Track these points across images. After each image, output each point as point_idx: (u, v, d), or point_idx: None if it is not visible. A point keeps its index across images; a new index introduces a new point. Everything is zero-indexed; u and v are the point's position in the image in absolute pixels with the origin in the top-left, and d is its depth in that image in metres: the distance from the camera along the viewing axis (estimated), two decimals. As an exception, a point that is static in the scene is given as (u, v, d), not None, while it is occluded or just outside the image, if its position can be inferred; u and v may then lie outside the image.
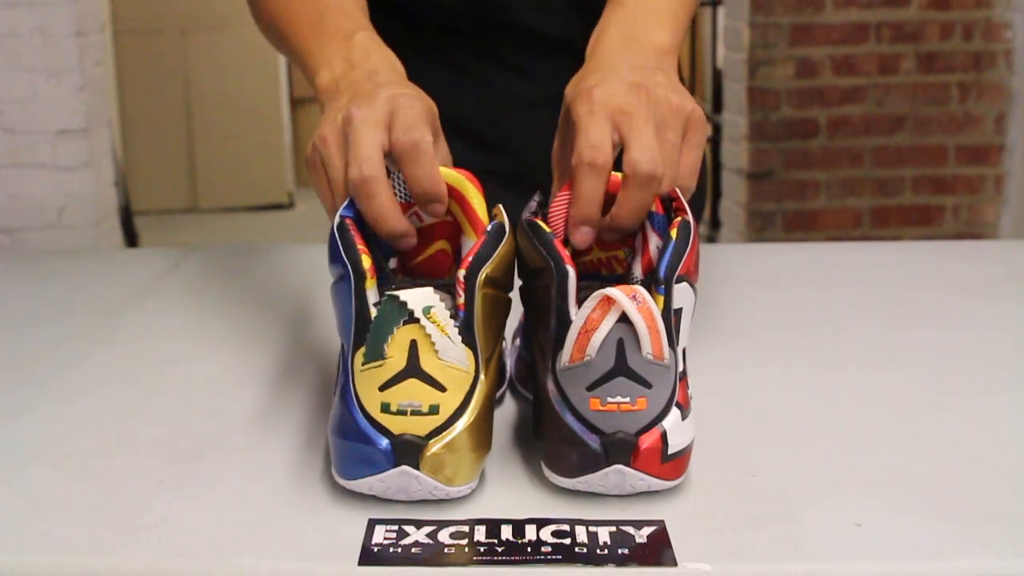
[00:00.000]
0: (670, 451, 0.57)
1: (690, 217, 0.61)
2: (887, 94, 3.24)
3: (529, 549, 0.53)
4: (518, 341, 0.75)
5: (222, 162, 5.22)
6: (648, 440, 0.56)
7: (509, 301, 0.64)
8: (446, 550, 0.53)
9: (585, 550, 0.53)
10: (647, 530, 0.55)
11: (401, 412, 0.55)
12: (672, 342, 0.57)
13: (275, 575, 0.52)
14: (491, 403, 0.60)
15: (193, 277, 1.05)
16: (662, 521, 0.55)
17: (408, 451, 0.55)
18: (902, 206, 3.33)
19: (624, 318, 0.56)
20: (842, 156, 3.28)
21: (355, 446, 0.56)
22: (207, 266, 1.08)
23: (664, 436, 0.56)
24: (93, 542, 0.55)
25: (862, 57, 3.22)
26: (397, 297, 0.56)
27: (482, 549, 0.53)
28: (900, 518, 0.56)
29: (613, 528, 0.55)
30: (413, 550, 0.53)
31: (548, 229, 0.60)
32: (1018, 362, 0.81)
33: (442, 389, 0.56)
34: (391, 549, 0.53)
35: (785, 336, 0.86)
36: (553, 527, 0.55)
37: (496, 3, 1.03)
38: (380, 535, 0.54)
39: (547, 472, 0.59)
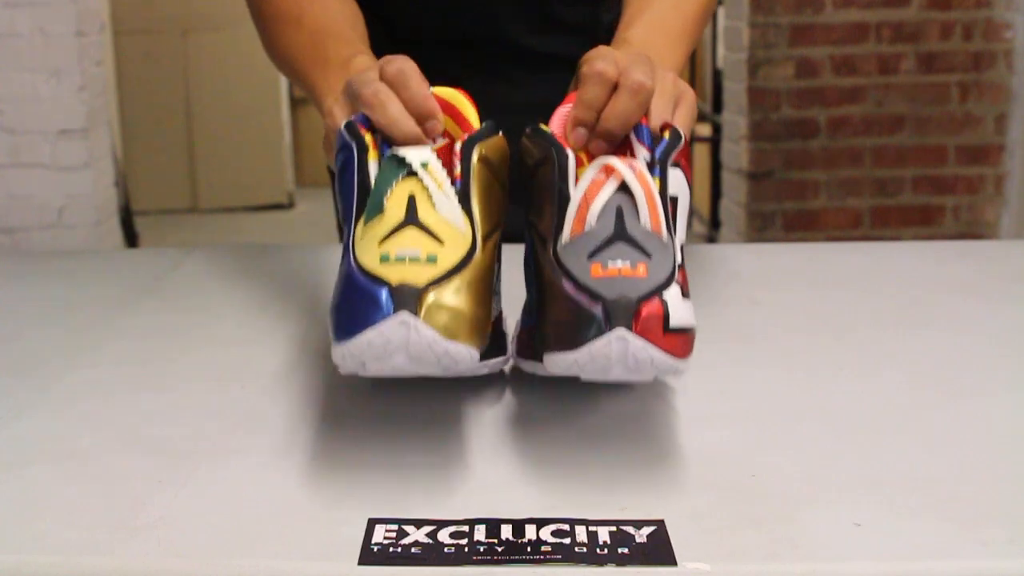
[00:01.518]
0: (672, 323, 0.55)
1: (681, 131, 0.64)
2: (887, 94, 3.24)
3: (529, 549, 0.53)
4: (518, 323, 0.74)
5: (222, 162, 5.22)
6: (649, 307, 0.55)
7: (505, 192, 0.66)
8: (446, 550, 0.53)
9: (585, 550, 0.53)
10: (647, 530, 0.55)
11: (399, 260, 0.55)
12: (669, 226, 0.58)
13: (275, 575, 0.52)
14: (490, 283, 0.59)
15: (193, 277, 1.05)
16: (662, 521, 0.55)
17: (406, 297, 0.54)
18: (902, 206, 3.33)
19: (623, 188, 0.57)
20: (842, 156, 3.28)
21: (353, 304, 0.55)
22: (207, 266, 1.08)
23: (665, 306, 0.55)
24: (93, 542, 0.55)
25: (862, 57, 3.22)
26: (396, 154, 0.59)
27: (482, 549, 0.53)
28: (900, 518, 0.56)
29: (613, 528, 0.55)
30: (413, 550, 0.53)
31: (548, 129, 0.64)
32: (1018, 362, 0.81)
33: (439, 242, 0.56)
34: (391, 549, 0.53)
35: (785, 336, 0.86)
36: (553, 527, 0.55)
37: (488, 23, 1.04)
38: (380, 535, 0.54)
39: (548, 360, 0.57)
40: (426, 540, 0.54)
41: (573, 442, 0.66)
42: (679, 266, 0.58)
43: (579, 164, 0.62)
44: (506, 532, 0.54)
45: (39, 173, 2.82)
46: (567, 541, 0.54)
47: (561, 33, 1.08)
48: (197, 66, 5.15)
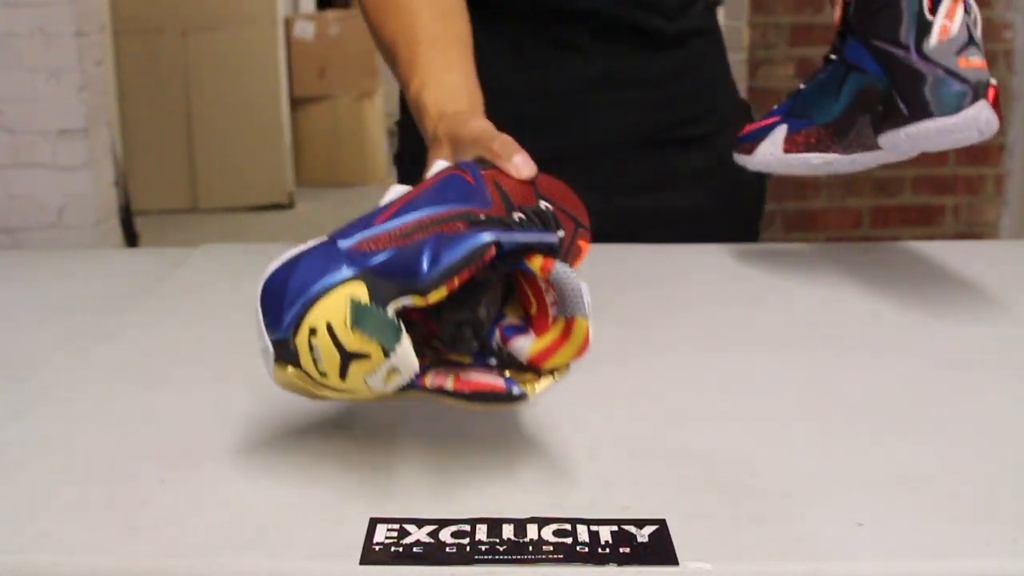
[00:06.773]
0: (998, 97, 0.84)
1: None
2: (887, 94, 3.24)
3: (531, 548, 0.53)
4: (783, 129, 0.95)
5: (222, 162, 5.22)
6: (993, 89, 0.84)
7: None
8: (447, 549, 0.53)
9: (587, 549, 0.53)
10: (648, 529, 0.55)
11: None
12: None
13: (275, 575, 0.52)
14: None
15: (193, 277, 1.05)
16: (663, 520, 0.55)
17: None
18: (902, 206, 3.33)
19: (965, 9, 0.85)
20: (842, 156, 3.27)
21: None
22: (207, 266, 1.08)
23: (996, 88, 0.84)
24: (93, 542, 0.55)
25: (862, 57, 3.22)
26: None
27: (483, 548, 0.53)
28: (901, 517, 0.56)
29: (615, 527, 0.55)
30: (415, 549, 0.53)
31: None
32: (1018, 362, 0.81)
33: None
34: (392, 548, 0.53)
35: (785, 335, 0.86)
36: (555, 526, 0.55)
37: None
38: (381, 534, 0.54)
39: (907, 131, 0.84)
40: (428, 539, 0.54)
41: (575, 441, 0.65)
42: None
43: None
44: (508, 531, 0.54)
45: (39, 173, 2.82)
46: (569, 541, 0.54)
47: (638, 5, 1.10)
48: (197, 66, 5.14)
